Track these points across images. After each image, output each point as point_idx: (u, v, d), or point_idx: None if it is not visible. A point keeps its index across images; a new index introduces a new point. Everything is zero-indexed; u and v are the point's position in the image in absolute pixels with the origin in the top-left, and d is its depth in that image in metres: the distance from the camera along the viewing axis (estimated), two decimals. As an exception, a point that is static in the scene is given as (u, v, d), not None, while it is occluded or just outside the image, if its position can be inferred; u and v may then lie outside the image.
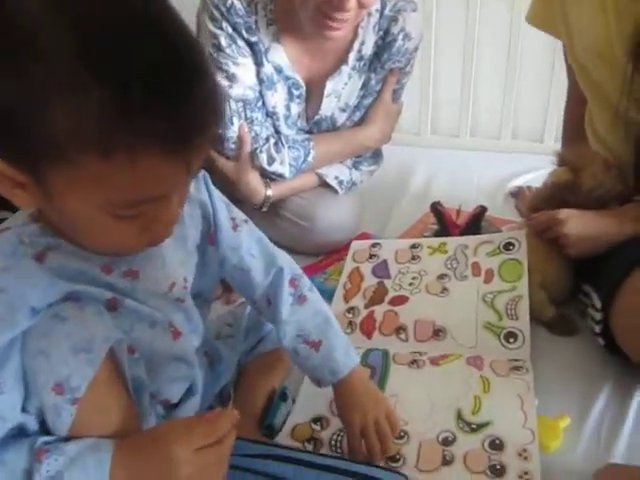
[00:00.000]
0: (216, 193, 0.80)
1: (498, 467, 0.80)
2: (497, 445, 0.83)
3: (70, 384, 0.58)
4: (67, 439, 0.60)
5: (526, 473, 0.79)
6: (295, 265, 0.88)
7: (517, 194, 1.49)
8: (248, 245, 0.84)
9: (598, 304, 0.95)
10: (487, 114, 1.82)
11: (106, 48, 0.48)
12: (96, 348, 0.60)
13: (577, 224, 1.02)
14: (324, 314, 0.86)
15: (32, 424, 0.60)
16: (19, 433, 0.60)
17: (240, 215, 0.85)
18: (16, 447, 0.58)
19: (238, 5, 1.19)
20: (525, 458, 0.80)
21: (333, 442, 0.87)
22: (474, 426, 0.86)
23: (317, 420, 0.91)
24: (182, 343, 0.74)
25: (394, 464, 0.83)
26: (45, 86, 0.48)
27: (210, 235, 0.81)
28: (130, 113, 0.49)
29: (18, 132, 0.50)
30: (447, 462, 0.82)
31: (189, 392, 0.80)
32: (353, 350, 0.86)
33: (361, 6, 1.12)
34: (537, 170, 1.55)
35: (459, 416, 0.88)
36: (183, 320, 0.75)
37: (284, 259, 0.88)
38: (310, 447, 0.87)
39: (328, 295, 1.15)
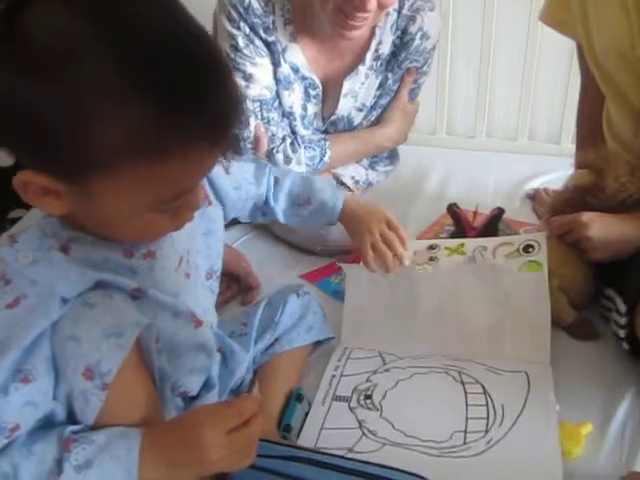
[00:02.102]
0: None
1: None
2: None
3: (100, 369, 0.59)
4: (93, 428, 0.61)
5: None
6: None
7: (534, 196, 1.47)
8: (244, 178, 0.94)
9: (622, 308, 0.94)
10: (504, 115, 1.80)
11: (145, 60, 0.51)
12: (126, 333, 0.61)
13: (600, 227, 1.00)
14: (299, 176, 1.02)
15: (60, 412, 0.61)
16: (46, 424, 0.60)
17: None
18: (45, 437, 0.59)
19: (255, 5, 1.19)
20: None
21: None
22: None
23: None
24: (203, 331, 0.76)
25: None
26: (93, 103, 0.50)
27: (206, 196, 0.84)
28: (177, 115, 0.52)
29: (66, 146, 0.52)
30: None
31: (206, 386, 0.81)
32: (336, 188, 0.99)
33: (381, 7, 1.12)
34: (554, 172, 1.54)
35: None
36: (190, 297, 0.76)
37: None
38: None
39: (343, 296, 1.14)
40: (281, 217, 1.01)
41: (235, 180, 0.91)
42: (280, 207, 1.00)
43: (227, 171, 0.90)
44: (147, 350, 0.64)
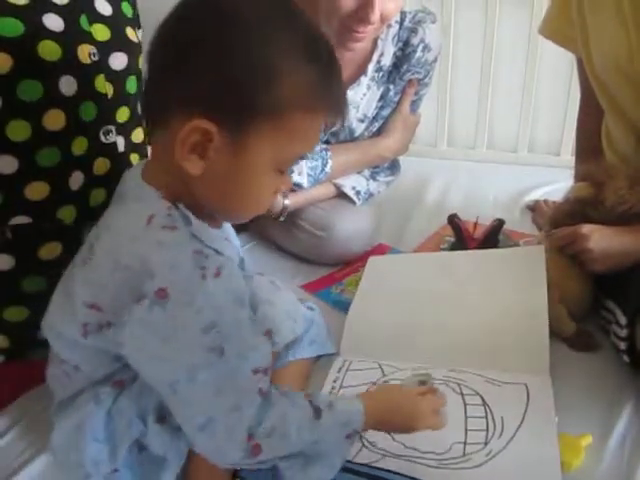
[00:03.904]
0: None
1: None
2: None
3: (275, 339, 0.75)
4: None
5: None
6: None
7: (535, 208, 1.48)
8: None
9: (623, 320, 0.93)
10: (504, 126, 1.81)
11: (312, 42, 0.67)
12: (299, 320, 0.89)
13: (600, 239, 1.00)
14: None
15: None
16: None
17: None
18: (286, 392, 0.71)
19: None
20: None
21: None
22: None
23: None
24: None
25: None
26: (286, 59, 0.64)
27: None
28: (327, 83, 0.68)
29: (249, 95, 0.63)
30: None
31: None
32: None
33: (383, 19, 1.13)
34: (554, 183, 1.56)
35: None
36: None
37: None
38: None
39: (344, 306, 1.14)
40: None
41: None
42: None
43: None
44: None
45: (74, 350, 0.73)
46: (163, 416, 0.72)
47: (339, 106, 0.70)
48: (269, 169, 0.68)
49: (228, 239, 0.79)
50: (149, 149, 1.07)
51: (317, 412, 0.69)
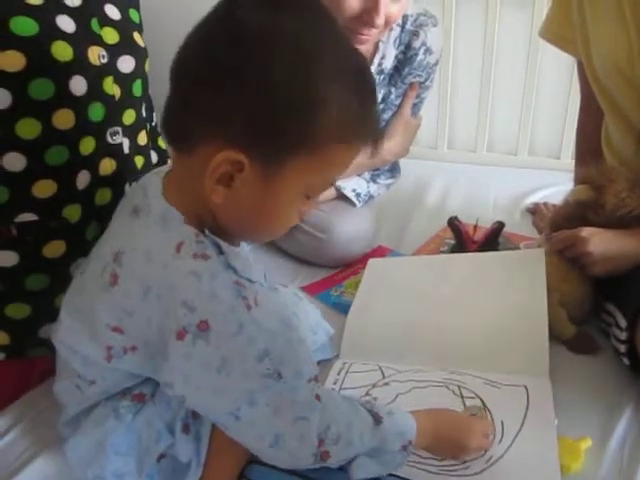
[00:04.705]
0: None
1: None
2: None
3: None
4: None
5: None
6: None
7: (535, 211, 1.48)
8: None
9: (623, 323, 0.94)
10: (504, 129, 1.81)
11: (357, 70, 0.65)
12: (319, 332, 0.99)
13: (600, 242, 1.00)
14: None
15: None
16: None
17: None
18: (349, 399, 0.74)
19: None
20: None
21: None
22: None
23: None
24: None
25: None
26: (323, 94, 0.61)
27: None
28: (369, 114, 0.66)
29: (291, 127, 0.61)
30: None
31: None
32: None
33: (386, 23, 1.13)
34: (554, 186, 1.56)
35: None
36: None
37: None
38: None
39: (344, 308, 1.15)
40: None
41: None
42: None
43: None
44: None
45: (92, 366, 0.72)
46: (187, 424, 0.73)
47: (376, 137, 0.69)
48: (299, 196, 0.67)
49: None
50: (152, 153, 1.08)
51: (377, 419, 0.71)
